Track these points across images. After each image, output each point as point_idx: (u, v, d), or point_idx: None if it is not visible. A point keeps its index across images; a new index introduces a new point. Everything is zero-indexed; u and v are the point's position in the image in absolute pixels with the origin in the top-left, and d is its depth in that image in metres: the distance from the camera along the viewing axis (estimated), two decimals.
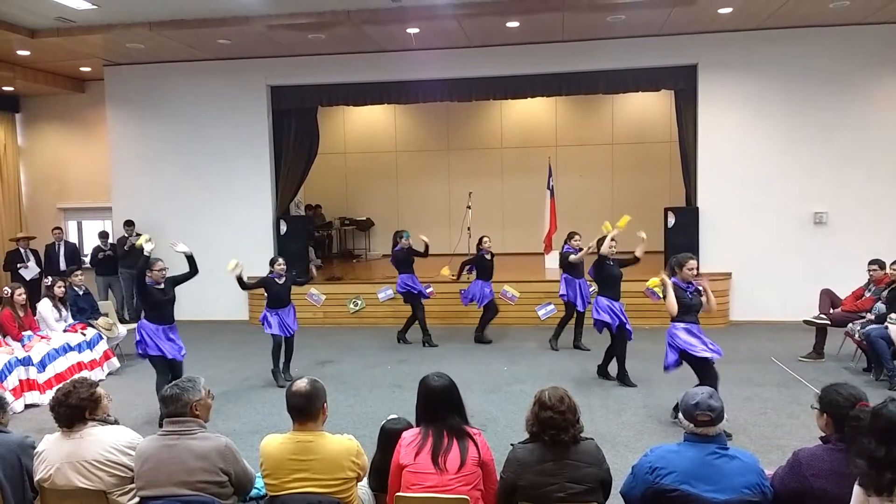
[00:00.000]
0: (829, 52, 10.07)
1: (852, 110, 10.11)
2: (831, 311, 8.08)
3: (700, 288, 6.06)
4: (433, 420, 3.28)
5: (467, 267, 9.25)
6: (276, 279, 7.64)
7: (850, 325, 7.61)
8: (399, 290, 9.28)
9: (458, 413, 3.34)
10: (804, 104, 10.19)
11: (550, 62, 10.63)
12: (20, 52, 10.41)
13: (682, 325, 5.90)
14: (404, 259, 9.19)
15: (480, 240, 9.14)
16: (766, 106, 10.31)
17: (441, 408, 3.30)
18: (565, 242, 8.74)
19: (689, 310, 5.93)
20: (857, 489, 2.61)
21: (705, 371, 5.81)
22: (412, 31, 9.77)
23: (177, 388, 3.36)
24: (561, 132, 14.11)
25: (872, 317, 7.39)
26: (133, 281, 9.47)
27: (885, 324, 7.13)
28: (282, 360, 7.75)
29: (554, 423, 3.08)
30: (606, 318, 7.28)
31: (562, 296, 8.69)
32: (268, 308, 7.65)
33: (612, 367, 7.46)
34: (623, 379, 7.29)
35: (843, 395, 3.02)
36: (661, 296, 6.35)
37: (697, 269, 6.10)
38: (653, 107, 13.36)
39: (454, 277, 9.31)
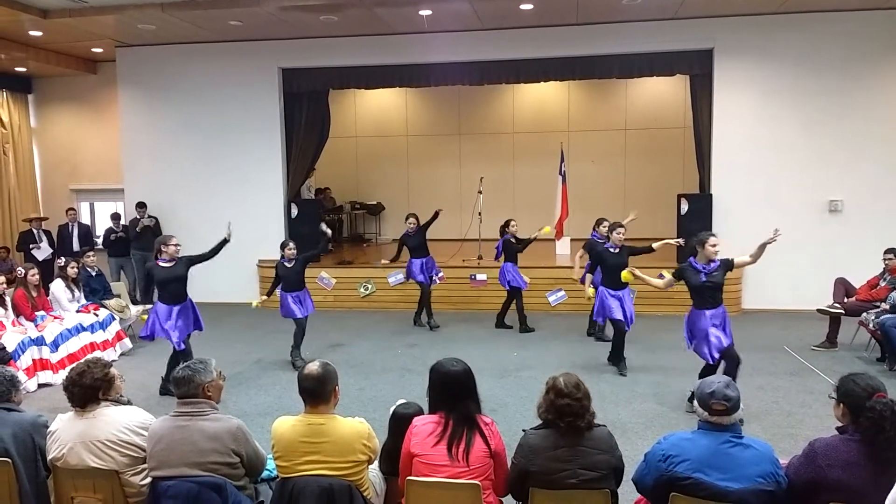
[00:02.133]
0: (848, 38, 9.88)
1: (870, 97, 9.94)
2: (845, 300, 8.01)
3: (729, 259, 6.00)
4: (452, 408, 3.22)
5: (497, 251, 9.13)
6: (285, 263, 7.65)
7: (865, 314, 7.54)
8: (412, 278, 9.27)
9: (474, 400, 3.29)
10: (821, 90, 10.02)
11: (564, 46, 10.51)
12: (32, 33, 10.39)
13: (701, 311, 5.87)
14: (421, 241, 9.14)
15: (507, 223, 9.02)
16: (782, 92, 10.14)
17: (458, 394, 3.25)
18: (593, 229, 8.61)
19: (703, 292, 5.86)
20: None
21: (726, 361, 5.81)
22: (424, 13, 9.67)
23: (189, 370, 3.37)
24: (573, 117, 13.98)
25: (887, 306, 7.31)
26: (144, 263, 9.51)
27: None
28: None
29: (571, 410, 3.06)
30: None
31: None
32: (282, 291, 7.72)
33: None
34: (615, 362, 7.31)
35: (861, 385, 2.98)
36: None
37: None
38: (667, 92, 13.20)
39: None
